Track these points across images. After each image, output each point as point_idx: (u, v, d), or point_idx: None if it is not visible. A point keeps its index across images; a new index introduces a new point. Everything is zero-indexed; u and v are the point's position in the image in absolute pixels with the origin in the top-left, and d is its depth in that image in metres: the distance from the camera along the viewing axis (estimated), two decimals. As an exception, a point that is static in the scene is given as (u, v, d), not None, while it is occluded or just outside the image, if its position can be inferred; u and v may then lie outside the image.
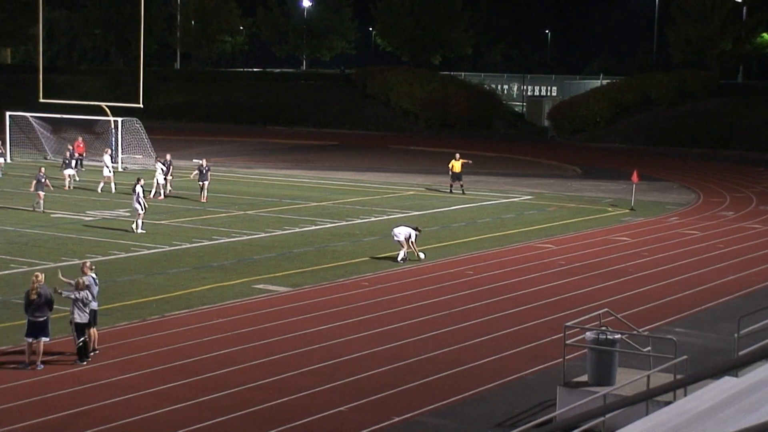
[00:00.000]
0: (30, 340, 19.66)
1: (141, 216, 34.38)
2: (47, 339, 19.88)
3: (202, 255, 31.03)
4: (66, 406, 17.58)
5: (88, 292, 20.09)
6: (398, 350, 21.31)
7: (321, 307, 24.80)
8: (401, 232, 30.46)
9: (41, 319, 19.75)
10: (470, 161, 48.55)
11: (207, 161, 44.02)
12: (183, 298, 25.46)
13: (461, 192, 46.32)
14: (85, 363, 19.78)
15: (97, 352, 20.36)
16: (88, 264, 21.37)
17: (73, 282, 20.59)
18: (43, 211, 37.90)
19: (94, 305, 20.48)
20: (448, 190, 46.93)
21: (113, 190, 43.71)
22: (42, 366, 19.54)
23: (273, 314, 24.12)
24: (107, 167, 44.83)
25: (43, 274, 20.61)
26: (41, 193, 38.40)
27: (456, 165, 46.53)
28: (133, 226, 34.34)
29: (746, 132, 74.30)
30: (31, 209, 38.25)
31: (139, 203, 34.30)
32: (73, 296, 19.98)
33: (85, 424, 16.78)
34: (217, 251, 31.74)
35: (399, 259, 30.52)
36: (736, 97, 79.02)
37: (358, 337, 22.25)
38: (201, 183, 42.09)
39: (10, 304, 23.83)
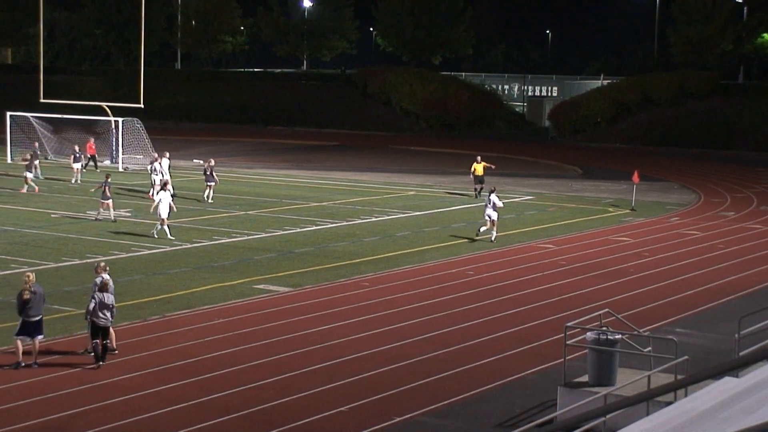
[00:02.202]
0: (27, 340, 19.59)
1: (165, 221, 33.14)
2: (42, 337, 19.84)
3: (203, 255, 31.03)
4: (66, 406, 17.58)
5: (109, 294, 19.93)
6: (399, 350, 21.31)
7: (322, 308, 24.80)
8: (494, 214, 34.12)
9: (37, 318, 19.68)
10: (493, 165, 46.72)
11: (206, 161, 43.94)
12: (183, 298, 25.46)
13: (476, 195, 44.98)
14: (102, 364, 19.59)
15: (116, 352, 20.33)
16: (102, 264, 21.27)
17: (94, 292, 20.33)
18: (110, 220, 36.12)
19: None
20: (474, 195, 45.26)
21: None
22: (37, 365, 19.52)
23: (274, 314, 24.12)
24: (166, 172, 43.32)
25: (34, 274, 20.49)
26: (109, 203, 36.35)
27: (478, 168, 45.40)
28: (164, 230, 33.13)
29: (747, 132, 74.32)
30: (94, 219, 36.27)
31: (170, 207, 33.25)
32: (96, 299, 19.79)
33: (85, 425, 16.78)
34: (217, 251, 31.74)
35: (492, 239, 34.05)
36: (736, 97, 79.01)
37: (359, 338, 22.26)
38: (207, 184, 42.05)
39: (11, 304, 23.78)
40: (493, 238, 34.16)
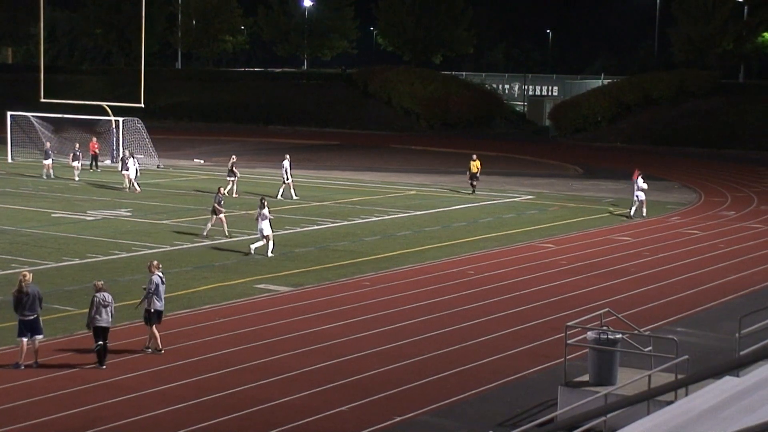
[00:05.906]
0: (25, 339, 19.58)
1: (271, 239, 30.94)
2: (41, 336, 19.83)
3: (204, 255, 31.03)
4: (68, 406, 17.58)
5: (106, 294, 19.88)
6: (400, 350, 21.31)
7: (322, 307, 24.80)
8: (642, 194, 39.57)
9: (32, 317, 19.67)
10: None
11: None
12: (184, 298, 25.46)
13: (471, 192, 46.48)
14: (104, 367, 19.52)
15: (162, 352, 20.53)
16: (155, 263, 21.29)
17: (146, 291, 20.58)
18: (229, 235, 33.58)
19: (158, 305, 20.77)
20: (471, 191, 46.90)
21: (294, 195, 43.00)
22: (37, 365, 19.51)
23: (274, 314, 24.12)
24: (287, 172, 43.07)
25: (31, 274, 20.45)
26: (222, 217, 33.54)
27: (472, 166, 46.75)
28: (259, 247, 30.86)
29: (747, 131, 74.30)
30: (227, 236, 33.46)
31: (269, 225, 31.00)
32: (98, 298, 19.66)
33: (86, 425, 16.78)
34: (218, 251, 31.73)
35: (632, 214, 39.86)
36: (737, 96, 79.03)
37: (360, 337, 22.26)
38: (229, 179, 43.73)
39: (12, 303, 23.78)
40: (644, 213, 39.86)
